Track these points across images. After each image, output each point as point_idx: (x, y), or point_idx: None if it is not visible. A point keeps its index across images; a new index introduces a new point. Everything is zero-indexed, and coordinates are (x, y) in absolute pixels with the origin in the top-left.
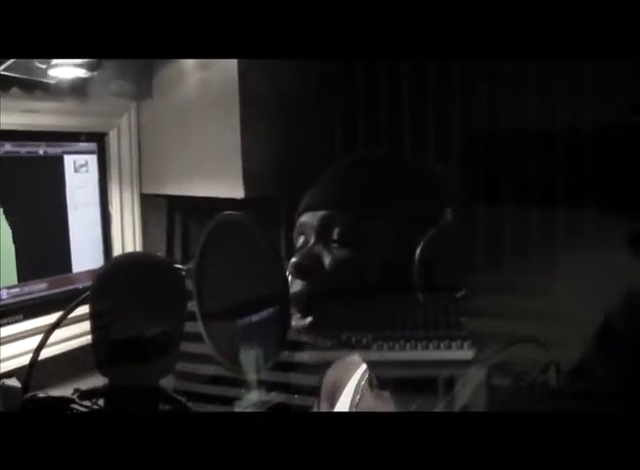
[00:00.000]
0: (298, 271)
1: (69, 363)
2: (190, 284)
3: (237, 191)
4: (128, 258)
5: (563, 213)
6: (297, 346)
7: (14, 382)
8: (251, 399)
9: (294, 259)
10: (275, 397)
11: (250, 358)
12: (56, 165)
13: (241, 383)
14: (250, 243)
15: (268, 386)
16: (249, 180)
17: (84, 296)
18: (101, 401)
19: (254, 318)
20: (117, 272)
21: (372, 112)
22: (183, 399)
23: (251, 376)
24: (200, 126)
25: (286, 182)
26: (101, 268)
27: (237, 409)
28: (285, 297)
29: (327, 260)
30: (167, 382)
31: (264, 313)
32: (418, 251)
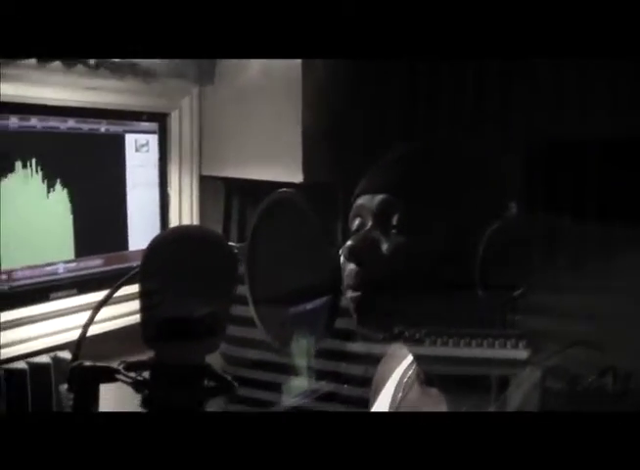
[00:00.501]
0: (353, 255)
1: (119, 341)
2: (242, 264)
3: (296, 175)
4: (181, 230)
5: (627, 213)
6: (349, 336)
7: (66, 354)
8: (301, 387)
9: (349, 242)
10: (325, 386)
11: (299, 342)
12: (117, 144)
13: (290, 370)
14: (303, 223)
15: (318, 374)
16: (308, 165)
17: (133, 272)
18: (146, 374)
19: (305, 301)
20: (170, 243)
21: (432, 100)
22: (229, 377)
23: (300, 361)
24: (261, 111)
25: (345, 169)
26: (154, 238)
27: (286, 396)
28: (336, 282)
29: (384, 246)
30: (215, 363)
31: (315, 297)
32: (482, 244)
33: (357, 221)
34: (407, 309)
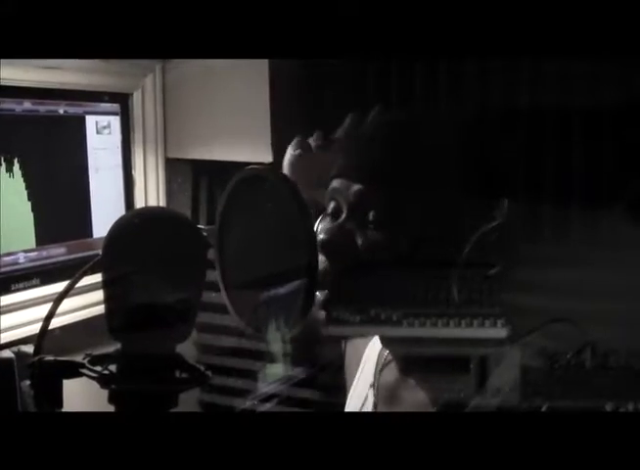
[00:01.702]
0: (326, 251)
1: (84, 333)
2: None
3: (265, 155)
4: (146, 212)
5: (607, 187)
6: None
7: (30, 349)
8: (277, 374)
9: (323, 236)
10: (301, 372)
11: (273, 328)
12: (77, 126)
13: (265, 356)
14: (276, 200)
15: (295, 361)
16: (278, 144)
17: (96, 260)
18: (112, 367)
19: (279, 284)
20: (134, 226)
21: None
22: (202, 368)
23: (275, 347)
24: (227, 88)
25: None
26: (117, 220)
27: (262, 383)
28: (312, 263)
29: (360, 240)
30: (187, 352)
31: (289, 279)
32: (469, 246)
33: (332, 204)
34: (383, 293)
